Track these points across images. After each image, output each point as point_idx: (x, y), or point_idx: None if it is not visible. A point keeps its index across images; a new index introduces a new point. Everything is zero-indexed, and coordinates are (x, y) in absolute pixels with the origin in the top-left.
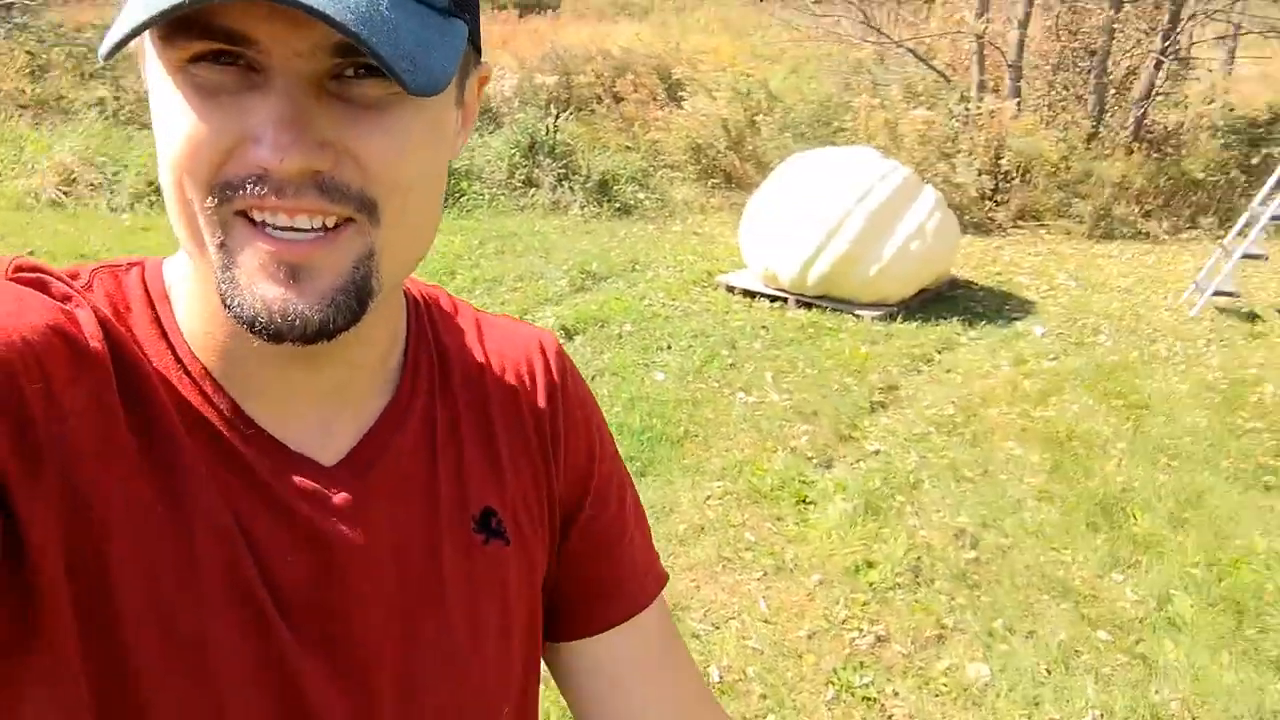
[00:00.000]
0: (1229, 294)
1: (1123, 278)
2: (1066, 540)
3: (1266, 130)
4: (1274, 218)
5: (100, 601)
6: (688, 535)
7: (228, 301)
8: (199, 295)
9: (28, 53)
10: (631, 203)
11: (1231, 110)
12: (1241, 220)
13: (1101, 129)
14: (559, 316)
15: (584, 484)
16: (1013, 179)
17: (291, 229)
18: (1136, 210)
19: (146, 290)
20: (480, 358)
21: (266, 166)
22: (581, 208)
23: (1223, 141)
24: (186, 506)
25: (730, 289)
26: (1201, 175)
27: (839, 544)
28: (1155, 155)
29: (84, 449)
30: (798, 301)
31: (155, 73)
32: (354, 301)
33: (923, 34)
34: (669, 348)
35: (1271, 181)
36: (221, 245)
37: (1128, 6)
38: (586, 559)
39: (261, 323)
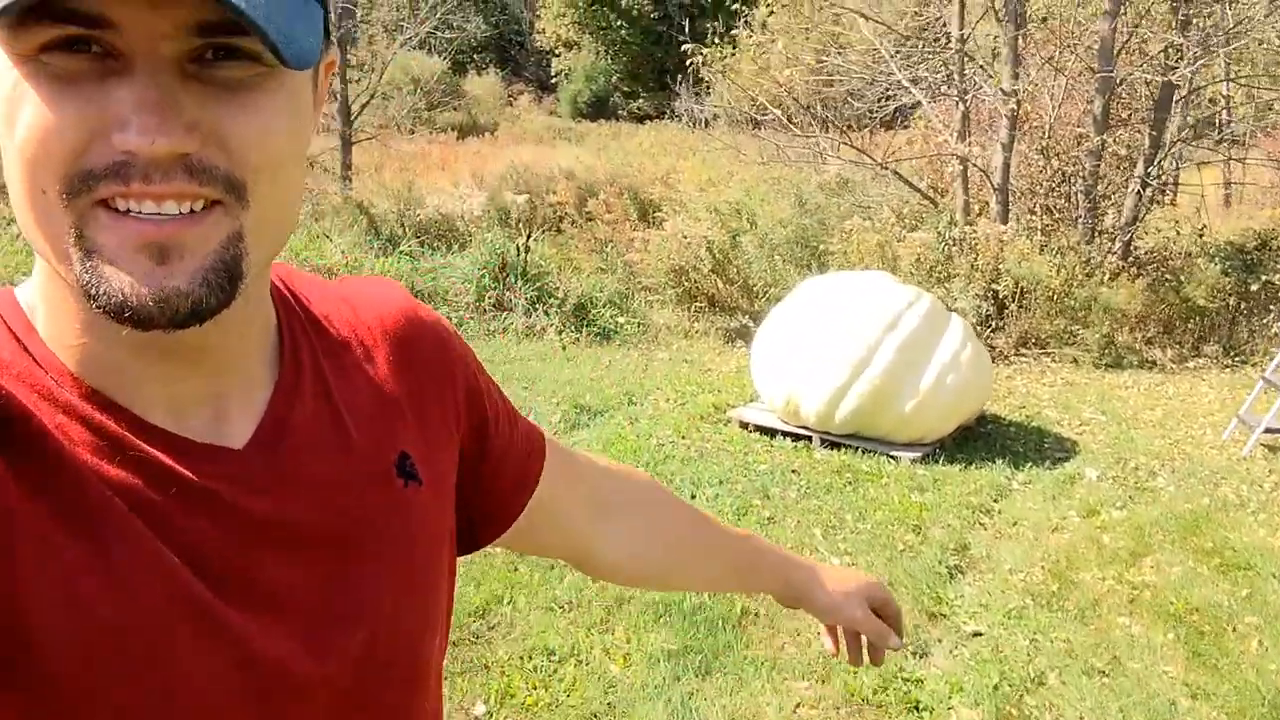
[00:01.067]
0: (1278, 431)
1: (1149, 410)
2: None
3: (1255, 256)
4: None
5: (24, 663)
6: None
7: (92, 292)
8: (66, 310)
9: None
10: (611, 327)
11: (1227, 240)
12: None
13: (1094, 254)
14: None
15: (480, 413)
16: (1009, 305)
17: (157, 214)
18: (1139, 338)
19: (4, 322)
20: (351, 317)
21: (135, 150)
22: (558, 332)
23: (1221, 268)
24: (95, 525)
25: (744, 425)
26: (1203, 302)
27: None
28: (1152, 282)
29: None
30: (823, 440)
31: (1, 65)
32: (225, 281)
33: (904, 156)
34: (693, 497)
35: None
36: (80, 236)
37: (1113, 131)
38: (498, 473)
39: (131, 307)
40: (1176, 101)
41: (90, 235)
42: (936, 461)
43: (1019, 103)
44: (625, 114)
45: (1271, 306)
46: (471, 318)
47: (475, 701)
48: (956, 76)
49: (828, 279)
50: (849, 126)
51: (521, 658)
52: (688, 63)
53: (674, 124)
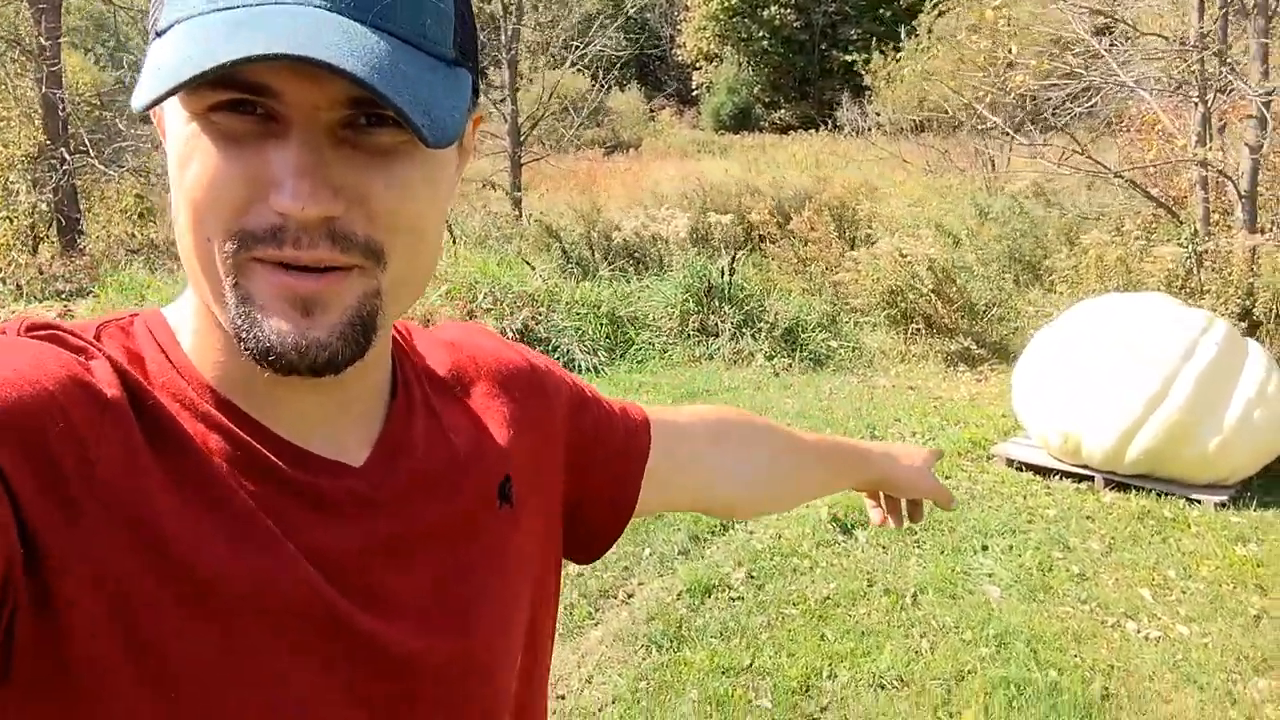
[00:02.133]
0: None
1: None
2: None
3: None
4: None
5: (148, 645)
6: None
7: (242, 336)
8: (210, 333)
9: (136, 196)
10: (823, 352)
11: None
12: None
13: None
14: (830, 505)
15: (580, 424)
16: (1264, 323)
17: (304, 269)
18: None
19: (154, 336)
20: (452, 356)
21: (288, 213)
22: (768, 358)
23: None
24: (232, 519)
25: (1012, 463)
26: None
27: None
28: None
29: (118, 497)
30: (1108, 482)
31: (176, 120)
32: (360, 336)
33: (1140, 163)
34: (985, 548)
35: None
36: (236, 285)
37: None
38: (610, 467)
39: (275, 354)
40: None
41: (245, 284)
42: (1246, 507)
43: (1269, 103)
44: (767, 125)
45: None
46: (674, 343)
47: None
48: (1196, 76)
49: (1102, 301)
50: (1051, 129)
51: None
52: (857, 68)
53: (818, 133)
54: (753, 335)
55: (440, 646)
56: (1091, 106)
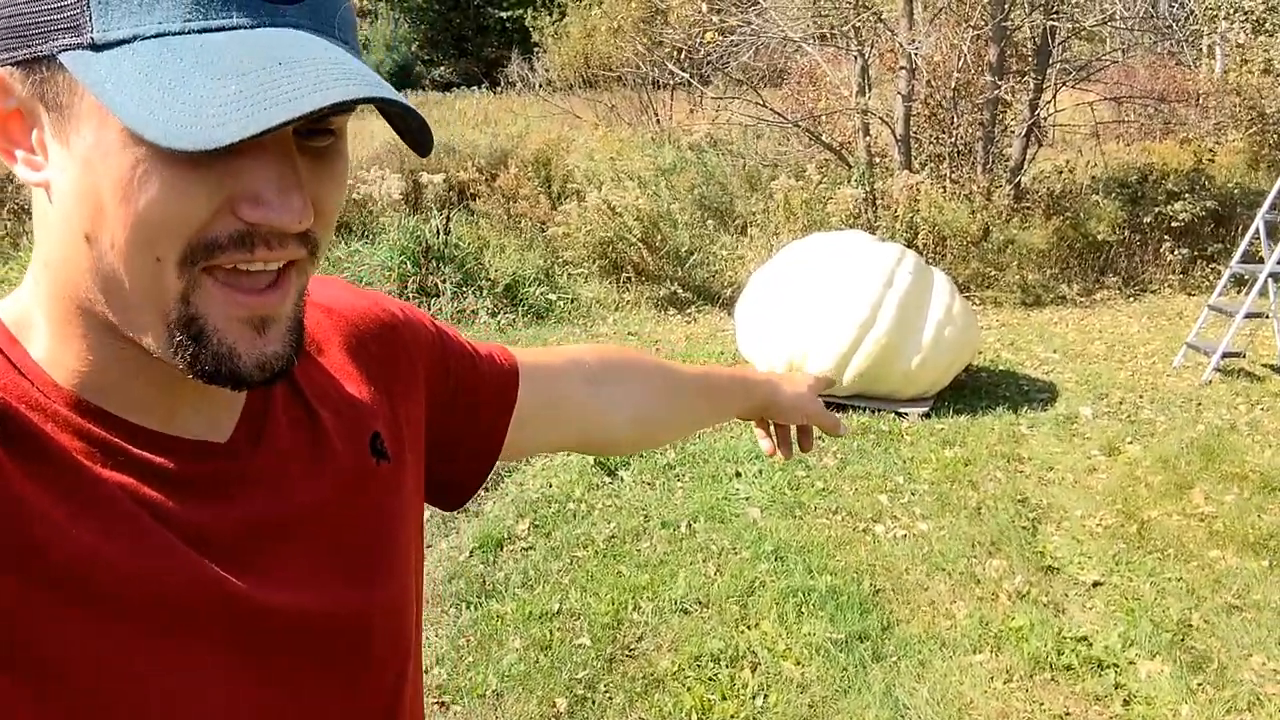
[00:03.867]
0: (1236, 355)
1: (1090, 345)
2: None
3: (1139, 189)
4: (1274, 275)
5: (39, 661)
6: None
7: (191, 357)
8: (72, 338)
9: None
10: (543, 305)
11: (1109, 176)
12: (1223, 279)
13: (997, 198)
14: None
15: (442, 365)
16: (923, 253)
17: (261, 271)
18: (1046, 275)
19: None
20: (320, 320)
21: (284, 229)
22: (491, 314)
23: (1117, 203)
24: (105, 518)
25: None
26: (1102, 237)
27: None
28: (1055, 221)
29: None
30: (827, 403)
31: (111, 140)
32: (300, 334)
33: (812, 113)
34: (738, 475)
35: (1250, 236)
36: (185, 303)
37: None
38: (473, 410)
39: (234, 373)
40: (1056, 46)
41: (196, 304)
42: (945, 415)
43: (916, 53)
44: (428, 83)
45: (1166, 237)
46: None
47: None
48: (854, 30)
49: (808, 241)
50: (730, 83)
51: (690, 667)
52: (523, 24)
53: (481, 91)
54: (474, 293)
55: (344, 609)
56: (750, 59)
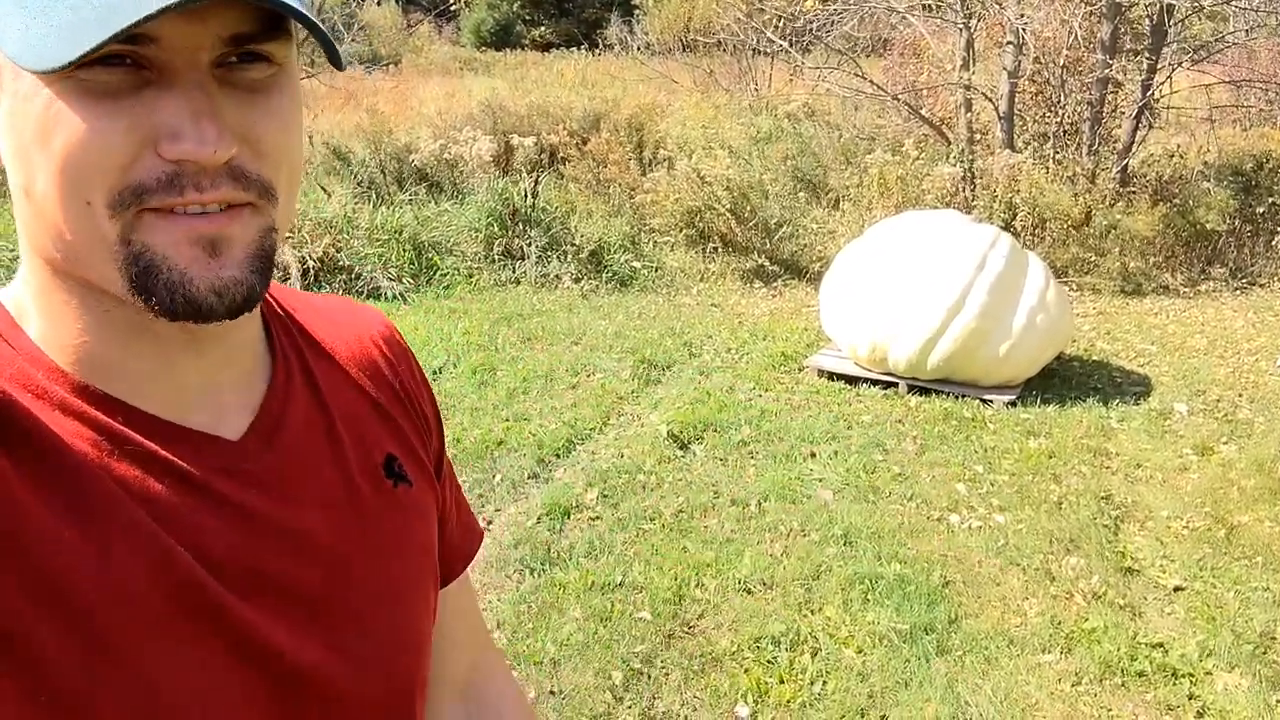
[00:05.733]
0: None
1: (1192, 338)
2: None
3: (1253, 178)
4: None
5: (21, 649)
6: None
7: (147, 292)
8: (65, 314)
9: None
10: (627, 273)
11: (1223, 163)
12: None
13: (1104, 181)
14: (667, 422)
15: (441, 440)
16: (1021, 236)
17: (202, 212)
18: (1150, 263)
19: None
20: (332, 331)
21: (195, 159)
22: (575, 280)
23: (1229, 191)
24: (98, 521)
25: (823, 373)
26: (1211, 226)
27: None
28: (1163, 206)
29: None
30: (910, 387)
31: (19, 84)
32: (266, 269)
33: (914, 86)
34: (813, 455)
35: None
36: (128, 243)
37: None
38: (446, 514)
39: (191, 300)
40: (1173, 24)
41: (139, 239)
42: (1032, 404)
43: (1024, 29)
44: (528, 42)
45: (1278, 230)
46: (480, 267)
47: (736, 702)
48: (960, 2)
49: (899, 220)
50: (831, 52)
51: (750, 648)
52: None
53: (580, 52)
54: (559, 258)
55: (335, 644)
56: (853, 29)
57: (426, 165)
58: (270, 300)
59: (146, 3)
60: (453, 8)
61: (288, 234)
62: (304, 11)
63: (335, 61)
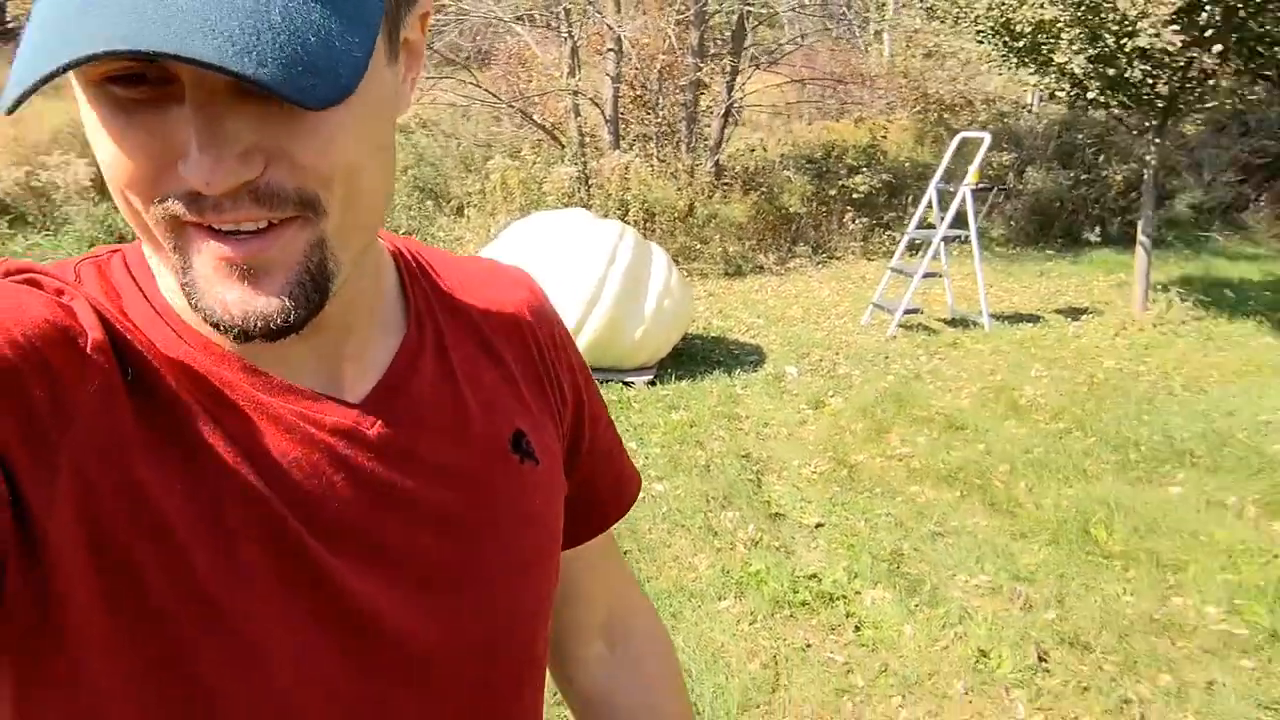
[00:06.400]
0: (915, 311)
1: (789, 309)
2: (1109, 575)
3: (823, 165)
4: (945, 239)
5: (132, 593)
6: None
7: (193, 302)
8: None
9: None
10: None
11: (797, 154)
12: (901, 244)
13: (700, 175)
14: None
15: (581, 406)
16: (638, 229)
17: (237, 231)
18: (746, 246)
19: (132, 275)
20: (474, 294)
21: (195, 189)
22: None
23: (805, 178)
24: (209, 479)
25: None
26: (794, 209)
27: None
28: (752, 195)
29: (95, 441)
30: None
31: (78, 86)
32: (312, 291)
33: (524, 94)
34: None
35: (924, 204)
36: (176, 248)
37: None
38: (595, 477)
39: (225, 324)
40: (752, 29)
41: (183, 248)
42: (668, 381)
43: (622, 36)
44: None
45: (848, 208)
46: None
47: None
48: (563, 12)
49: (529, 221)
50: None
51: None
52: None
53: None
54: None
55: (443, 618)
56: (456, 38)
57: (8, 195)
58: (410, 259)
59: (59, 53)
60: (9, 26)
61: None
62: (229, 67)
63: (305, 106)
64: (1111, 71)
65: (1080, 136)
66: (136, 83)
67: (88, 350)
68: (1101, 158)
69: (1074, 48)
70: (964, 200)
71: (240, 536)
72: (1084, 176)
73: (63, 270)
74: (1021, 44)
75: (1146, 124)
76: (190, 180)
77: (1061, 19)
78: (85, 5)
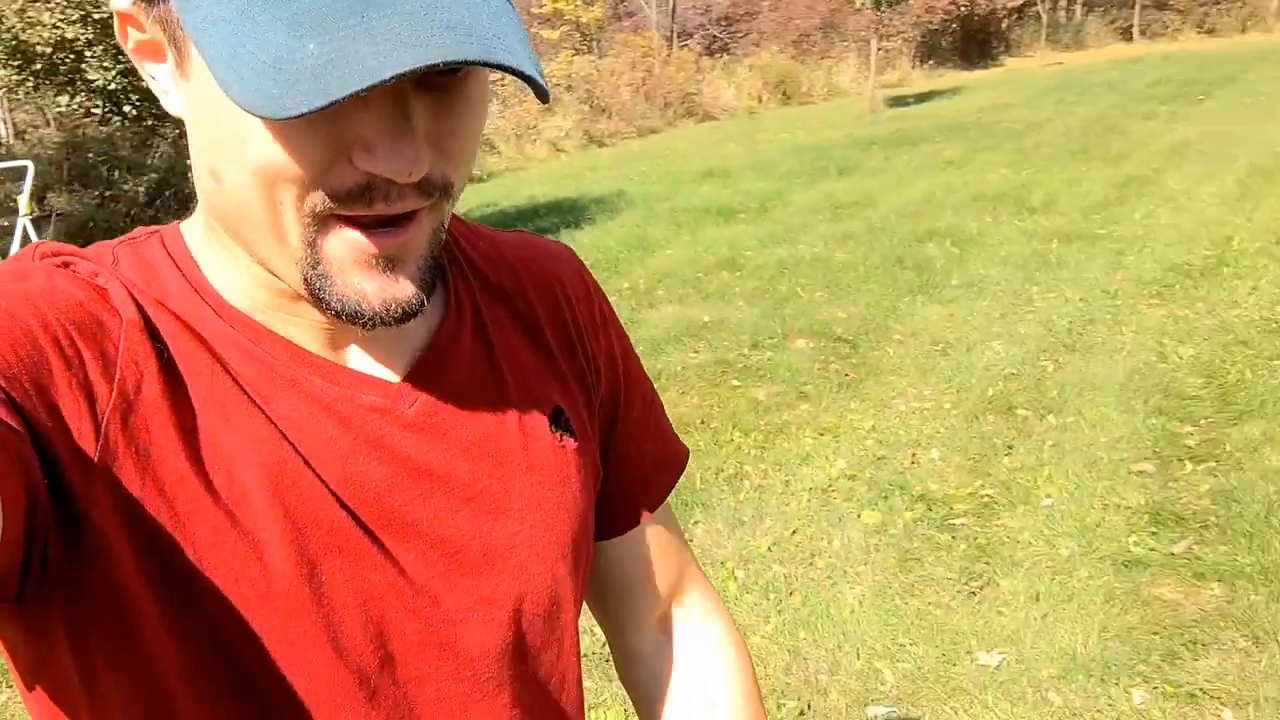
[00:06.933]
0: None
1: None
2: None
3: None
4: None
5: (173, 573)
6: None
7: (320, 296)
8: (233, 262)
9: None
10: None
11: None
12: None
13: None
14: None
15: (617, 383)
16: None
17: (377, 224)
18: None
19: (170, 255)
20: (513, 270)
21: (391, 178)
22: None
23: None
24: (248, 456)
25: None
26: None
27: None
28: None
29: (130, 422)
30: None
31: (213, 89)
32: (435, 274)
33: None
34: None
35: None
36: (311, 245)
37: None
38: (631, 456)
39: (364, 315)
40: None
41: (323, 247)
42: None
43: None
44: None
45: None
46: None
47: None
48: None
49: None
50: None
51: None
52: None
53: None
54: None
55: (480, 598)
56: None
57: None
58: (452, 238)
59: (382, 68)
60: None
61: None
62: (524, 70)
63: (542, 95)
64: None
65: (91, 155)
66: None
67: (121, 332)
68: (117, 173)
69: (104, 65)
70: (25, 232)
71: (276, 516)
72: (108, 193)
73: (99, 253)
74: (39, 66)
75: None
76: (384, 169)
77: (83, 37)
78: (365, 18)
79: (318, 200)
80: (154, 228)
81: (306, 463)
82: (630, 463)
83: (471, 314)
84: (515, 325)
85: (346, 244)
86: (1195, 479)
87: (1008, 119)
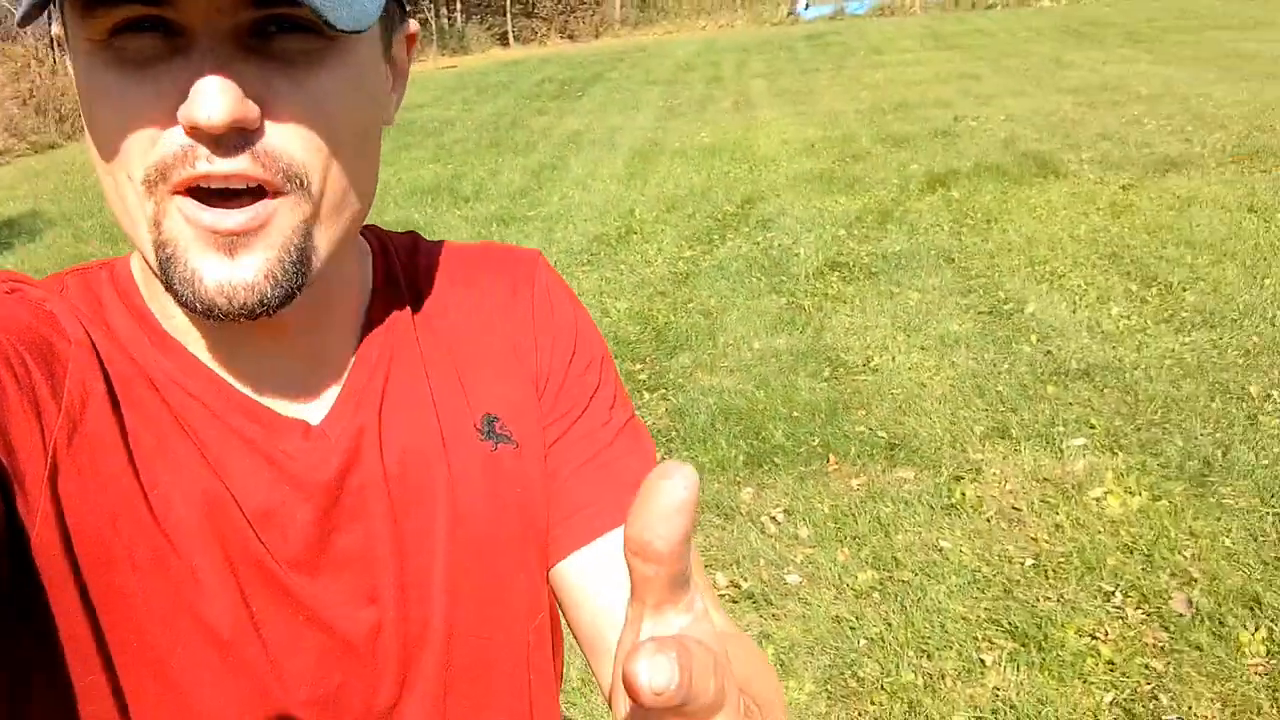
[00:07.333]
0: None
1: None
2: None
3: None
4: None
5: (118, 592)
6: None
7: (168, 281)
8: (148, 275)
9: None
10: None
11: None
12: None
13: None
14: None
15: (569, 391)
16: None
17: (225, 207)
18: None
19: (115, 285)
20: (457, 287)
21: (196, 123)
22: None
23: None
24: (171, 489)
25: None
26: None
27: None
28: None
29: (74, 443)
30: None
31: (78, 52)
32: (293, 275)
33: None
34: None
35: None
36: (157, 225)
37: None
38: (580, 470)
39: (201, 299)
40: None
41: (166, 225)
42: None
43: None
44: None
45: None
46: None
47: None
48: None
49: None
50: None
51: None
52: None
53: None
54: None
55: (412, 618)
56: None
57: None
58: (395, 262)
59: None
60: None
61: None
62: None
63: (326, 21)
64: None
65: None
66: (144, 33)
67: (69, 355)
68: None
69: None
70: None
71: (209, 545)
72: None
73: (50, 282)
74: None
75: None
76: (191, 114)
77: None
78: None
79: (150, 169)
80: (106, 260)
81: (233, 497)
82: (585, 473)
83: (403, 337)
84: (452, 336)
85: (184, 224)
86: (653, 404)
87: (423, 118)
